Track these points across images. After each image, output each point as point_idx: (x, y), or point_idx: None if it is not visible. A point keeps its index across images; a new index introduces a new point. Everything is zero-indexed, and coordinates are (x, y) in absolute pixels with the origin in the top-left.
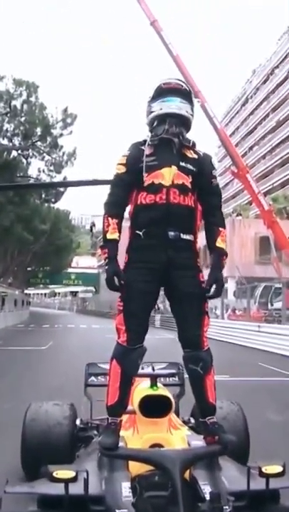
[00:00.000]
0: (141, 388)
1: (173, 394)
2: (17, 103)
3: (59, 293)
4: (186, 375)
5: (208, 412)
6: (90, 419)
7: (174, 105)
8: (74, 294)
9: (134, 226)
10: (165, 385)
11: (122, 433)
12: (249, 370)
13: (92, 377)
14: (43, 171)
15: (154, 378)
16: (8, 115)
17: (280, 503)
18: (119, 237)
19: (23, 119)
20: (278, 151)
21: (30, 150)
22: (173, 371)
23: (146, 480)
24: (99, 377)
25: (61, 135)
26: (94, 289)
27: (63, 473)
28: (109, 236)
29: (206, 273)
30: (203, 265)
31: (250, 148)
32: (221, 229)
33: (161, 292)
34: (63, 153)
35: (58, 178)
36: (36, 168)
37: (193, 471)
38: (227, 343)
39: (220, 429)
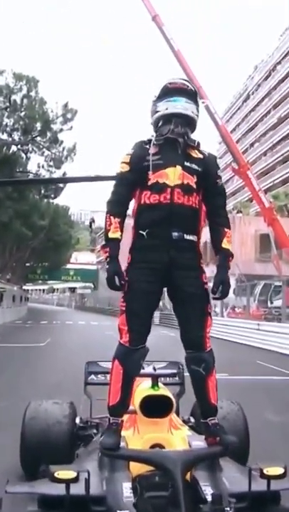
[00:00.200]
0: (142, 388)
1: (173, 393)
2: (17, 98)
3: (57, 289)
4: (186, 374)
5: (209, 413)
6: (89, 418)
7: (180, 105)
8: (72, 290)
9: (137, 226)
10: (165, 384)
11: (122, 433)
12: (248, 368)
13: (92, 376)
14: (43, 167)
15: (155, 378)
16: (8, 110)
17: (280, 505)
18: (121, 236)
19: (22, 113)
20: (279, 148)
21: (29, 145)
22: (174, 371)
23: (147, 480)
24: (99, 376)
25: (61, 130)
26: (92, 286)
27: (64, 473)
28: (111, 235)
29: (208, 270)
30: (205, 262)
31: (251, 144)
32: (226, 230)
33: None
34: (63, 149)
35: (57, 173)
36: (36, 164)
37: (194, 472)
38: (226, 341)
39: (221, 430)
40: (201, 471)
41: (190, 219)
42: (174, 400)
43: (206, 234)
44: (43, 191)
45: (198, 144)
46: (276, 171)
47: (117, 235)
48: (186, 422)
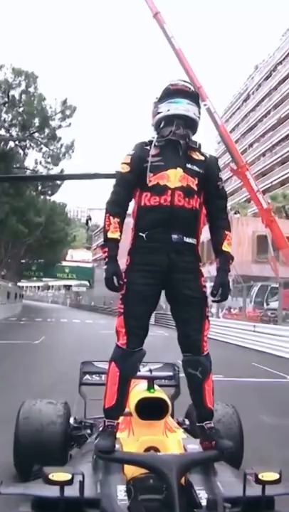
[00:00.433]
0: (137, 390)
1: (168, 394)
2: (15, 93)
3: (52, 286)
4: (181, 375)
5: (205, 417)
6: (83, 418)
7: (182, 107)
8: (67, 287)
9: (137, 228)
10: (160, 385)
11: (117, 435)
12: (243, 370)
13: (87, 376)
14: (40, 163)
15: (151, 380)
16: (6, 105)
17: (274, 510)
18: (120, 236)
19: (21, 109)
20: (279, 149)
21: (27, 141)
22: (170, 374)
23: (141, 483)
24: (94, 376)
25: (59, 127)
26: (88, 283)
27: (59, 475)
28: (110, 235)
29: (204, 270)
30: (205, 261)
31: (250, 145)
32: (226, 232)
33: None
34: (61, 146)
35: (54, 170)
36: (33, 160)
37: (188, 475)
38: (222, 343)
39: (217, 434)
40: (195, 474)
41: (190, 222)
42: (169, 402)
43: (203, 234)
44: (40, 188)
45: (200, 145)
46: (275, 172)
47: (116, 235)
48: (180, 424)
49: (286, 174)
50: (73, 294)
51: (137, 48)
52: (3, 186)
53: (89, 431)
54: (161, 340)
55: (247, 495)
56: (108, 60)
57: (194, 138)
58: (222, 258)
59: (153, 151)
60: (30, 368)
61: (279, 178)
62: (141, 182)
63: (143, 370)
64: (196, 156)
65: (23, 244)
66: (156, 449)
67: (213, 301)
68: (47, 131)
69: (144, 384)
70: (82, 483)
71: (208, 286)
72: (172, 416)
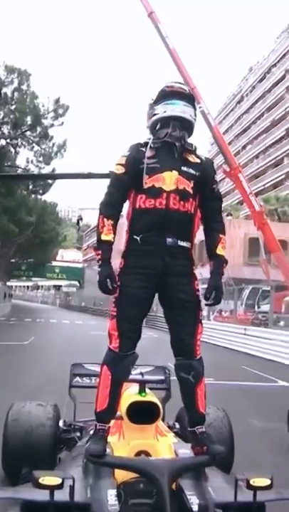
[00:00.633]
0: (129, 394)
1: (158, 398)
2: (8, 90)
3: (42, 286)
4: (172, 378)
5: (197, 422)
6: (73, 421)
7: (178, 108)
8: (57, 287)
9: (131, 230)
10: (151, 388)
11: (108, 438)
12: (233, 373)
13: (77, 378)
14: (32, 162)
15: (142, 384)
16: None
17: None
18: (114, 238)
19: (13, 107)
20: (272, 152)
21: (19, 139)
22: (162, 377)
23: (132, 487)
24: (84, 378)
25: (52, 125)
26: (78, 284)
27: (49, 479)
28: (103, 237)
29: (199, 271)
30: (198, 263)
31: (244, 147)
32: (221, 236)
33: None
34: (53, 145)
35: (46, 169)
36: (25, 159)
37: (179, 480)
38: (212, 345)
39: (208, 438)
40: (186, 479)
41: (185, 225)
42: (161, 406)
43: (197, 235)
44: (31, 187)
45: (195, 148)
46: (268, 175)
47: (110, 237)
48: (171, 427)
49: (279, 177)
50: (63, 295)
51: (131, 47)
52: None
53: (78, 434)
54: (151, 342)
55: (238, 500)
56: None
57: (189, 140)
58: (216, 261)
59: (148, 153)
60: (19, 369)
61: (272, 180)
62: (136, 184)
63: (134, 373)
64: (192, 158)
65: (14, 244)
66: (147, 453)
67: (206, 305)
68: (39, 129)
69: (135, 387)
70: (72, 488)
71: (200, 288)
72: (163, 419)
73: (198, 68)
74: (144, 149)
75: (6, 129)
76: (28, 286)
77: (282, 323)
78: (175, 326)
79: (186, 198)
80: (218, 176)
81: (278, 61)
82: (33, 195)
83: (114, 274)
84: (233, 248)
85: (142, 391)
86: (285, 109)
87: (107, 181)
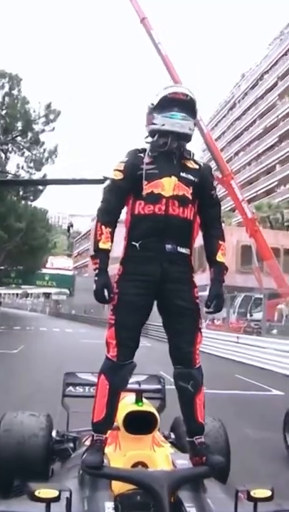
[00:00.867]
0: (125, 403)
1: (154, 407)
2: None
3: (31, 294)
4: (167, 387)
5: (196, 432)
6: (66, 431)
7: (177, 123)
8: (47, 295)
9: (129, 237)
10: (145, 398)
11: None
12: (227, 382)
13: (70, 388)
14: (22, 168)
15: (139, 393)
16: None
17: None
18: (111, 246)
19: (3, 112)
20: (264, 159)
21: (9, 145)
22: (159, 387)
23: (129, 499)
24: (77, 388)
25: (43, 131)
26: (68, 292)
27: (46, 492)
28: (101, 245)
29: (200, 277)
30: (199, 268)
31: (236, 153)
32: (220, 242)
33: None
34: (44, 150)
35: (37, 175)
36: (15, 164)
37: (178, 492)
38: (205, 354)
39: (208, 449)
40: (184, 491)
41: (184, 231)
42: (158, 416)
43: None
44: (21, 193)
45: (193, 154)
46: (260, 182)
47: (108, 245)
48: (166, 437)
49: (271, 184)
50: (53, 302)
51: (123, 53)
52: None
53: (72, 444)
54: (144, 350)
55: None
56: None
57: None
58: (216, 269)
59: (147, 159)
60: (9, 378)
61: (264, 187)
62: (134, 190)
63: (130, 382)
64: (191, 164)
65: (3, 250)
66: (144, 464)
67: (206, 313)
68: (30, 135)
69: (131, 397)
70: (69, 500)
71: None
72: (158, 429)
73: (191, 74)
74: (142, 155)
75: None
76: (17, 294)
77: (275, 331)
78: (174, 334)
79: (185, 204)
80: None
81: (270, 68)
82: (23, 202)
83: (111, 284)
84: (226, 255)
85: (138, 400)
86: (278, 116)
87: (98, 187)
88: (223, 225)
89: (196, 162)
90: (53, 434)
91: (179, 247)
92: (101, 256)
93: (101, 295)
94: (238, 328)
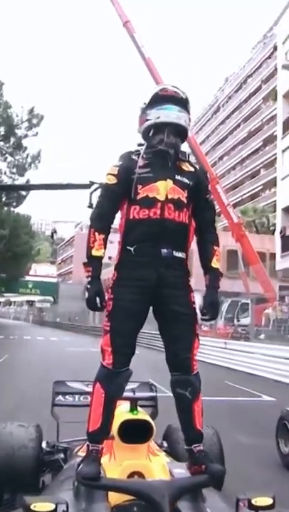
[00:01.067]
0: (120, 412)
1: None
2: None
3: (15, 302)
4: (159, 394)
5: (194, 440)
6: (56, 442)
7: (173, 114)
8: (30, 303)
9: (124, 241)
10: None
11: None
12: (216, 389)
13: (60, 397)
14: (5, 173)
15: (134, 401)
16: None
17: None
18: (104, 253)
19: None
20: (249, 163)
21: None
22: (153, 394)
23: (126, 510)
24: (67, 397)
25: (26, 136)
26: (52, 299)
27: (42, 505)
28: (94, 253)
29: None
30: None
31: (221, 158)
32: (215, 247)
33: None
34: (27, 155)
35: (20, 180)
36: None
37: (176, 502)
38: None
39: (207, 457)
40: (183, 501)
41: (180, 235)
42: (153, 424)
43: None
44: (4, 199)
45: (188, 156)
46: (245, 186)
47: (101, 252)
48: (159, 446)
49: (256, 188)
50: (36, 310)
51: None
52: None
53: (62, 455)
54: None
55: None
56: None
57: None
58: (211, 275)
59: (141, 162)
60: None
61: (249, 192)
62: (129, 194)
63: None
64: (186, 167)
65: None
66: (141, 474)
67: (202, 319)
68: (12, 140)
69: (125, 405)
70: None
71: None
72: None
73: (175, 78)
74: (136, 158)
75: None
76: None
77: (262, 336)
78: (170, 340)
79: (180, 208)
80: None
81: (254, 71)
82: (5, 208)
83: (104, 292)
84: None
85: (133, 409)
86: (262, 119)
87: (82, 193)
88: None
89: (191, 165)
90: (43, 444)
91: (174, 252)
92: (94, 264)
93: (93, 303)
94: (225, 333)
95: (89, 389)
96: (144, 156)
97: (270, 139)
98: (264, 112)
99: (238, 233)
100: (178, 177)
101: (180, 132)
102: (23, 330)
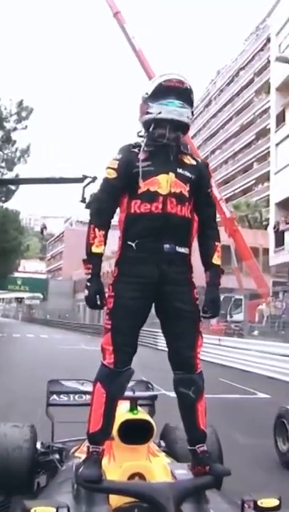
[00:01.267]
0: (119, 412)
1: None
2: None
3: (3, 299)
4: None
5: (198, 440)
6: (51, 442)
7: (175, 110)
8: (19, 300)
9: (125, 236)
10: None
11: None
12: (211, 386)
13: (54, 396)
14: None
15: (133, 401)
16: None
17: None
18: (104, 250)
19: None
20: (241, 157)
21: None
22: (155, 393)
23: None
24: (61, 396)
25: (15, 129)
26: (41, 296)
27: (43, 509)
28: (94, 250)
29: None
30: None
31: (212, 152)
32: (216, 243)
33: None
34: (16, 149)
35: (9, 175)
36: None
37: (182, 504)
38: None
39: (211, 458)
40: (187, 503)
41: (182, 230)
42: (154, 424)
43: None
44: None
45: (189, 148)
46: (237, 180)
47: (101, 249)
48: (158, 446)
49: (249, 183)
50: (26, 307)
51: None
52: None
53: (58, 456)
54: None
55: None
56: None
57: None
58: (212, 272)
59: (142, 155)
60: None
61: (241, 186)
62: (129, 189)
63: None
64: (188, 160)
65: None
66: (142, 476)
67: (203, 317)
68: (1, 133)
69: (125, 404)
70: None
71: None
72: None
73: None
74: (136, 150)
75: None
76: None
77: (256, 332)
78: (173, 338)
79: (182, 202)
80: None
81: (247, 64)
82: None
83: (104, 290)
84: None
85: (133, 408)
86: (254, 113)
87: (73, 187)
88: None
89: (193, 158)
90: (38, 445)
91: (177, 247)
92: (94, 261)
93: (93, 301)
94: (219, 330)
95: (84, 388)
96: (146, 147)
97: (263, 133)
98: (256, 105)
99: (231, 228)
100: (180, 170)
101: (181, 127)
102: (12, 327)
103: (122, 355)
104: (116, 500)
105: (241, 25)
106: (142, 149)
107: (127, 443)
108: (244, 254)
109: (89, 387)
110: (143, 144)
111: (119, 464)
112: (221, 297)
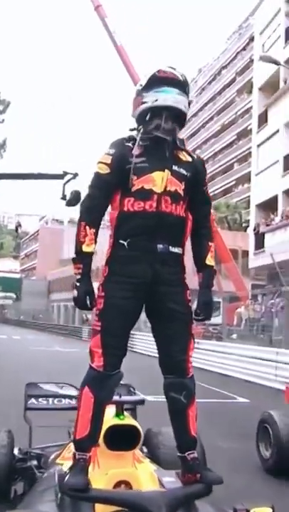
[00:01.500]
0: (105, 417)
1: None
2: None
3: None
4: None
5: (188, 446)
6: (29, 448)
7: (172, 97)
8: None
9: (117, 235)
10: None
11: None
12: None
13: (32, 400)
14: None
15: (120, 406)
16: None
17: None
18: (95, 248)
19: None
20: (221, 157)
21: None
22: (142, 398)
23: None
24: (40, 400)
25: None
26: (15, 296)
27: None
28: (85, 248)
29: None
30: None
31: (193, 151)
32: (210, 244)
33: None
34: None
35: None
36: None
37: None
38: None
39: (201, 465)
40: None
41: (176, 230)
42: (141, 430)
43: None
44: None
45: (184, 143)
46: (217, 181)
47: (92, 248)
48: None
49: (228, 183)
50: None
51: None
52: None
53: (36, 462)
54: None
55: None
56: (48, 54)
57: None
58: (205, 273)
59: (136, 151)
60: None
61: (221, 187)
62: (122, 185)
63: None
64: (183, 156)
65: None
66: (128, 484)
67: (195, 320)
68: None
69: (110, 409)
70: None
71: None
72: None
73: (146, 68)
74: (130, 145)
75: None
76: None
77: (234, 335)
78: (165, 341)
79: (177, 201)
80: None
81: (229, 63)
82: None
83: (94, 290)
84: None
85: (119, 413)
86: (236, 112)
87: (49, 185)
88: None
89: (188, 153)
90: (15, 451)
91: (171, 247)
92: (85, 260)
93: (83, 302)
94: (197, 333)
95: (64, 391)
96: (141, 142)
97: (244, 133)
98: (238, 104)
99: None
100: (175, 168)
101: (178, 117)
102: None
103: (111, 358)
104: (102, 509)
105: (224, 23)
106: (136, 144)
107: (113, 449)
108: (223, 257)
109: (68, 391)
110: (138, 138)
111: (104, 471)
112: None
